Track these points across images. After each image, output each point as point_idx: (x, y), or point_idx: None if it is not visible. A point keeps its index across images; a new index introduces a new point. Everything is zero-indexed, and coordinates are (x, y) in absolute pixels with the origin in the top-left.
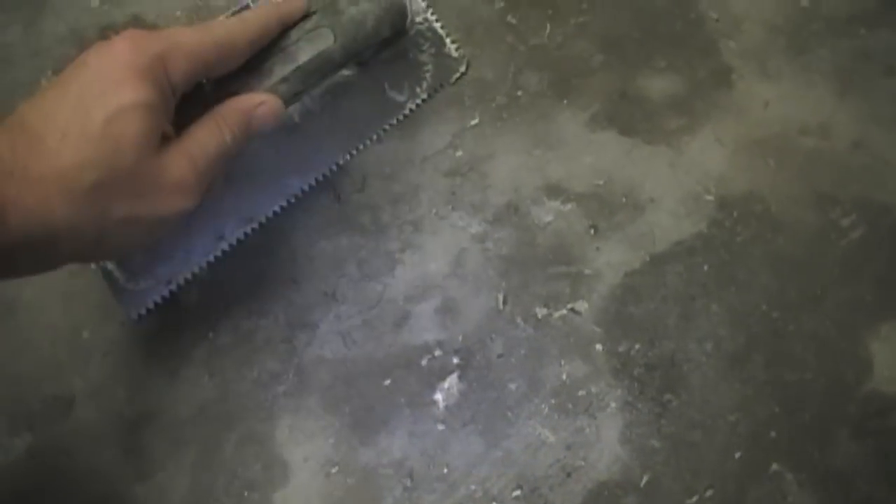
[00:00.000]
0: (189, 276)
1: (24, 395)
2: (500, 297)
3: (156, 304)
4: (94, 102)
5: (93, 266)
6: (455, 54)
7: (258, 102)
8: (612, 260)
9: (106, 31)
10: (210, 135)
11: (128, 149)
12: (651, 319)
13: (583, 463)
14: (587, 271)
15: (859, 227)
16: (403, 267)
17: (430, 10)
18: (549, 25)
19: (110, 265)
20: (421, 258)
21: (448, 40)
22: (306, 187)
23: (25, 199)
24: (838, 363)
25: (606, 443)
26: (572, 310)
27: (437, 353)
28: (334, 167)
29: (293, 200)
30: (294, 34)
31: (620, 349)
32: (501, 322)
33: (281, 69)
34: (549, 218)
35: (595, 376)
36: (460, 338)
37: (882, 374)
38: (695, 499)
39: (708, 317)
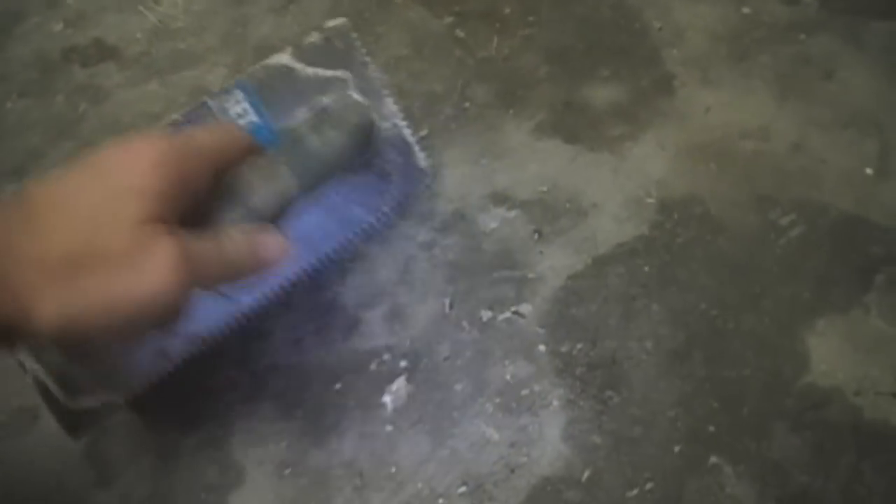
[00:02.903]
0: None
1: None
2: (447, 302)
3: None
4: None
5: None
6: (423, 164)
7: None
8: (555, 263)
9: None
10: (209, 237)
11: (109, 225)
12: (593, 320)
13: (526, 459)
14: (531, 275)
15: (797, 227)
16: (353, 275)
17: (402, 116)
18: (496, 39)
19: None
20: (370, 266)
21: (417, 149)
22: None
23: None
24: (776, 359)
25: (549, 440)
26: (516, 312)
27: (386, 357)
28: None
29: None
30: (248, 172)
31: (563, 349)
32: (448, 326)
33: (232, 213)
34: (494, 224)
35: (538, 376)
36: (408, 342)
37: (818, 368)
38: (635, 492)
39: (648, 316)
